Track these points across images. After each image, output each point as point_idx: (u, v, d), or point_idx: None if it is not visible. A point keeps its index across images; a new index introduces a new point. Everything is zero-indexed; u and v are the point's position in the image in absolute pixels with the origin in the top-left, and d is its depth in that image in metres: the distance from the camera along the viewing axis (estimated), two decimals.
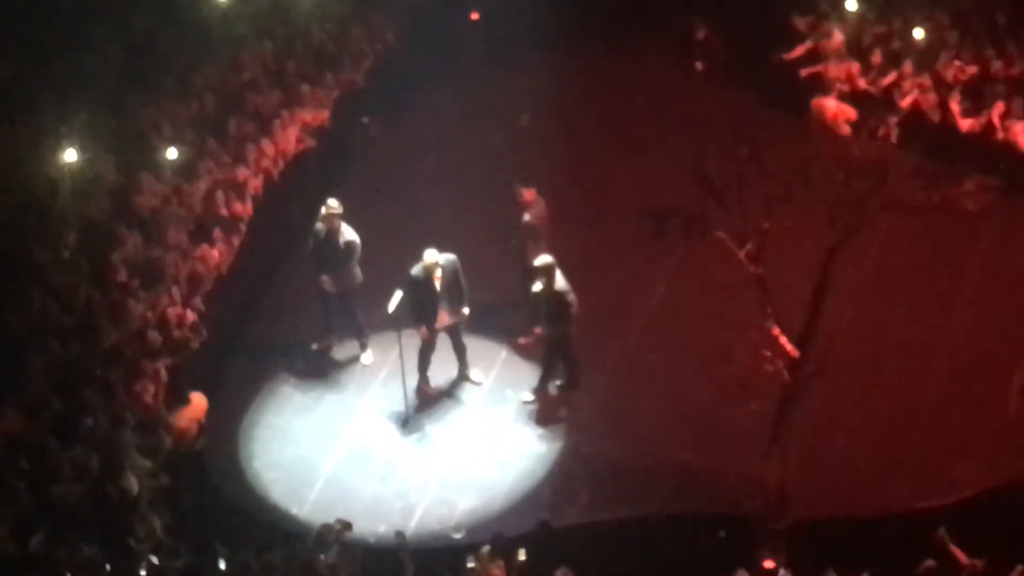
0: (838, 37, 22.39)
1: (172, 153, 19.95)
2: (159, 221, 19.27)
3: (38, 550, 14.99)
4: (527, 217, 18.71)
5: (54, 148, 19.26)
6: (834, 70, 22.12)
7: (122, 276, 18.32)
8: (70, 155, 19.09)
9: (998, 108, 20.74)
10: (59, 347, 17.18)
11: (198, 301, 18.86)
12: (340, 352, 19.16)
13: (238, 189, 20.22)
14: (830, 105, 21.69)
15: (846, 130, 21.19)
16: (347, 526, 15.86)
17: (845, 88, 21.91)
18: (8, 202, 18.91)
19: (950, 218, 18.32)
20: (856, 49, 22.30)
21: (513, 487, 17.28)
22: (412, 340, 18.11)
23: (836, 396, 17.47)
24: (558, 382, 18.26)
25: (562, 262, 17.70)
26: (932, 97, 21.36)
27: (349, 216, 18.63)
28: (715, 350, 18.47)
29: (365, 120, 22.43)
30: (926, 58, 21.63)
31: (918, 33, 21.74)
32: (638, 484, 17.10)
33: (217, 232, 19.53)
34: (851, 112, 21.48)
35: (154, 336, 17.91)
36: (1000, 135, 20.70)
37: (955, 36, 21.72)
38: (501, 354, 18.96)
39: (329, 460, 17.72)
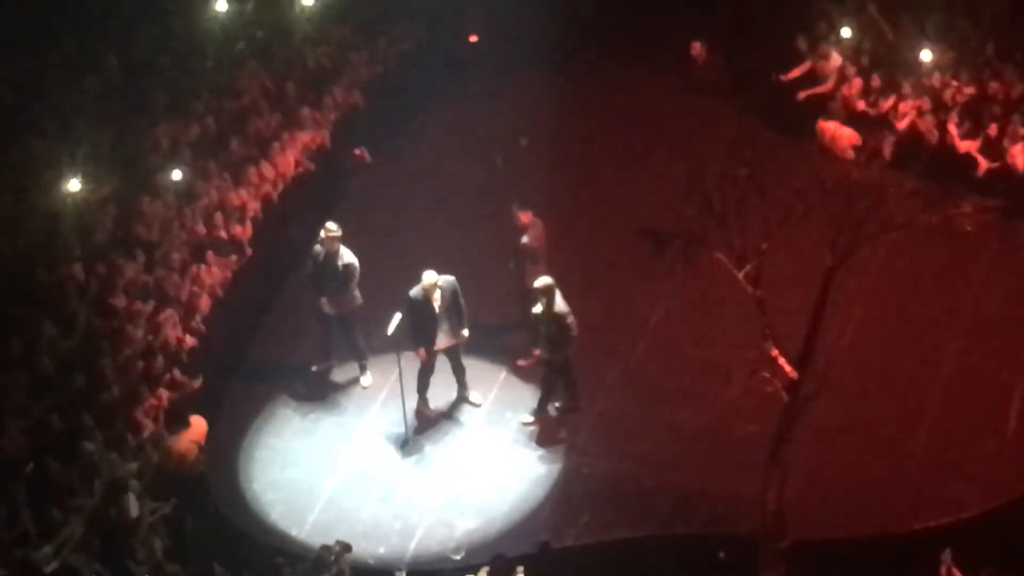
0: (836, 59, 22.47)
1: (173, 175, 19.98)
2: (160, 244, 19.28)
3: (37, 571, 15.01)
4: (525, 239, 18.73)
5: (56, 171, 19.28)
6: (832, 92, 22.22)
7: (122, 300, 18.32)
8: (71, 178, 19.11)
9: (995, 129, 20.79)
10: (60, 370, 17.19)
11: (198, 323, 18.88)
12: (339, 374, 19.15)
13: (238, 212, 20.25)
14: (831, 127, 21.75)
15: (848, 152, 21.19)
16: (347, 548, 15.88)
17: (843, 110, 21.97)
18: (11, 227, 18.91)
19: (948, 239, 18.28)
20: (854, 71, 22.36)
21: (512, 508, 17.26)
22: (411, 362, 18.12)
23: (835, 416, 17.45)
24: (557, 404, 18.25)
25: (561, 283, 17.72)
26: (930, 119, 21.41)
27: (348, 238, 18.65)
28: (714, 371, 18.51)
29: (357, 151, 22.33)
30: (923, 80, 21.69)
31: (917, 55, 21.80)
32: (638, 505, 17.10)
33: (216, 254, 19.56)
34: (852, 133, 21.50)
35: (154, 359, 17.92)
36: (997, 157, 20.73)
37: (953, 58, 21.79)
38: (500, 376, 18.95)
39: (329, 482, 17.71)
